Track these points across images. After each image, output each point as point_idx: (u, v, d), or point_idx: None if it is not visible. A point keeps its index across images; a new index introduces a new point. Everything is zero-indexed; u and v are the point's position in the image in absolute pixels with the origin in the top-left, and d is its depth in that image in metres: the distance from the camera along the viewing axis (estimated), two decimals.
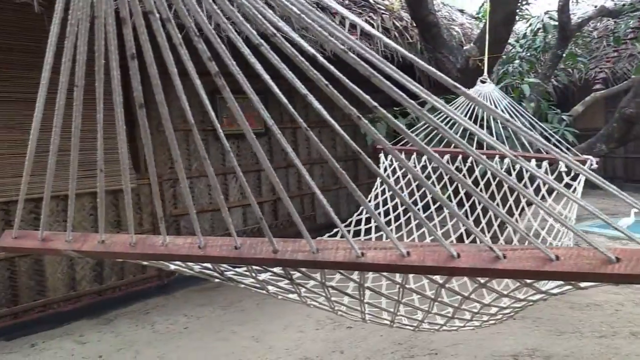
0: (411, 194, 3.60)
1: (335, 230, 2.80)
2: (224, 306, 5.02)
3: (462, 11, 10.29)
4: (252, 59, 0.87)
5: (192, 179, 5.80)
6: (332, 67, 0.86)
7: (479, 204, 3.38)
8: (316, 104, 0.90)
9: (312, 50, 0.83)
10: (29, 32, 4.70)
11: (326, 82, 0.87)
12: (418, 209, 3.34)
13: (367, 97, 0.87)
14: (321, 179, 7.16)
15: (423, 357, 3.73)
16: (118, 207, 5.07)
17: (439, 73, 0.87)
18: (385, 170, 3.78)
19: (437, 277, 1.25)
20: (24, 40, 4.69)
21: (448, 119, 3.29)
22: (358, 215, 3.35)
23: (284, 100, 0.93)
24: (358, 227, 3.33)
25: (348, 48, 0.83)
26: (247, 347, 4.03)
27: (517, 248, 0.91)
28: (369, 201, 3.65)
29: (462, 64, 5.83)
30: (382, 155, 3.81)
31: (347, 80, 0.87)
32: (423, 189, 3.55)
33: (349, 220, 3.26)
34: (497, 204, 3.51)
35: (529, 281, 1.24)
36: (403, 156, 3.69)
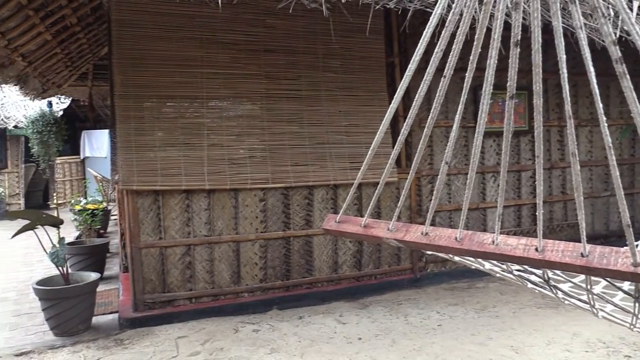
0: None
1: None
2: (477, 309, 4.86)
3: None
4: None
5: (449, 176, 5.75)
6: None
7: None
8: None
9: None
10: (311, 35, 5.18)
11: None
12: None
13: None
14: (589, 184, 6.42)
15: None
16: (379, 198, 5.30)
17: None
18: None
19: None
20: (307, 42, 5.19)
21: None
22: None
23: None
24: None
25: None
26: (506, 356, 3.82)
27: None
28: None
29: None
30: None
31: None
32: None
33: None
34: None
35: None
36: None
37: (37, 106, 13.13)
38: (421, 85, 1.02)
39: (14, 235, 4.35)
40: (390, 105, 1.15)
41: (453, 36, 0.96)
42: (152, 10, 4.67)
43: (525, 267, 1.38)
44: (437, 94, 1.00)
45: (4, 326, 4.90)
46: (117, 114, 4.67)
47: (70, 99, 13.89)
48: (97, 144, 15.02)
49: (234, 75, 4.94)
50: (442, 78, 0.97)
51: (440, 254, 1.63)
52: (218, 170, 4.83)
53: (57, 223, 4.62)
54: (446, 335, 4.28)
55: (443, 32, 0.93)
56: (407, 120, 1.09)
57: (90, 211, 7.55)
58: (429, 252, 1.50)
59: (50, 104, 13.35)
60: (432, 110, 1.04)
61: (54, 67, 7.86)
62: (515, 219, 6.10)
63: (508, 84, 0.90)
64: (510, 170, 5.97)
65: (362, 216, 1.49)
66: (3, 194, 13.53)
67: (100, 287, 5.01)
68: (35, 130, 12.53)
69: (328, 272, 5.27)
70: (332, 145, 5.18)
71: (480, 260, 1.42)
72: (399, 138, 1.16)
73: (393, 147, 5.10)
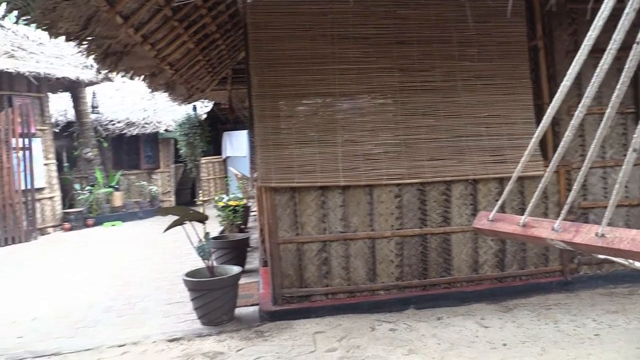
0: None
1: None
2: None
3: None
4: None
5: (605, 169, 5.17)
6: None
7: None
8: None
9: None
10: (445, 23, 4.95)
11: None
12: None
13: None
14: None
15: None
16: (524, 194, 4.92)
17: None
18: None
19: None
20: (441, 31, 4.96)
21: None
22: None
23: None
24: None
25: None
26: None
27: None
28: None
29: None
30: None
31: None
32: None
33: None
34: None
35: None
36: None
37: (184, 111, 14.24)
38: (604, 56, 0.84)
39: (165, 230, 4.69)
40: (559, 90, 0.98)
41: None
42: (285, 11, 4.76)
43: None
44: (627, 65, 0.82)
45: (158, 313, 5.33)
46: (254, 114, 4.82)
47: (212, 102, 14.89)
48: (237, 144, 15.92)
49: (366, 70, 4.87)
50: (635, 44, 0.78)
51: (616, 259, 1.40)
52: (353, 166, 4.79)
53: (202, 219, 4.89)
54: (605, 346, 3.83)
55: None
56: (583, 101, 0.91)
57: (232, 208, 7.96)
58: (601, 255, 1.28)
59: (195, 108, 14.41)
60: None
61: (197, 74, 8.42)
62: None
63: None
64: None
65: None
66: (156, 191, 14.86)
67: (242, 280, 5.22)
68: (182, 133, 13.58)
69: (468, 271, 5.00)
70: (470, 138, 4.89)
71: None
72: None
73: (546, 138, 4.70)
